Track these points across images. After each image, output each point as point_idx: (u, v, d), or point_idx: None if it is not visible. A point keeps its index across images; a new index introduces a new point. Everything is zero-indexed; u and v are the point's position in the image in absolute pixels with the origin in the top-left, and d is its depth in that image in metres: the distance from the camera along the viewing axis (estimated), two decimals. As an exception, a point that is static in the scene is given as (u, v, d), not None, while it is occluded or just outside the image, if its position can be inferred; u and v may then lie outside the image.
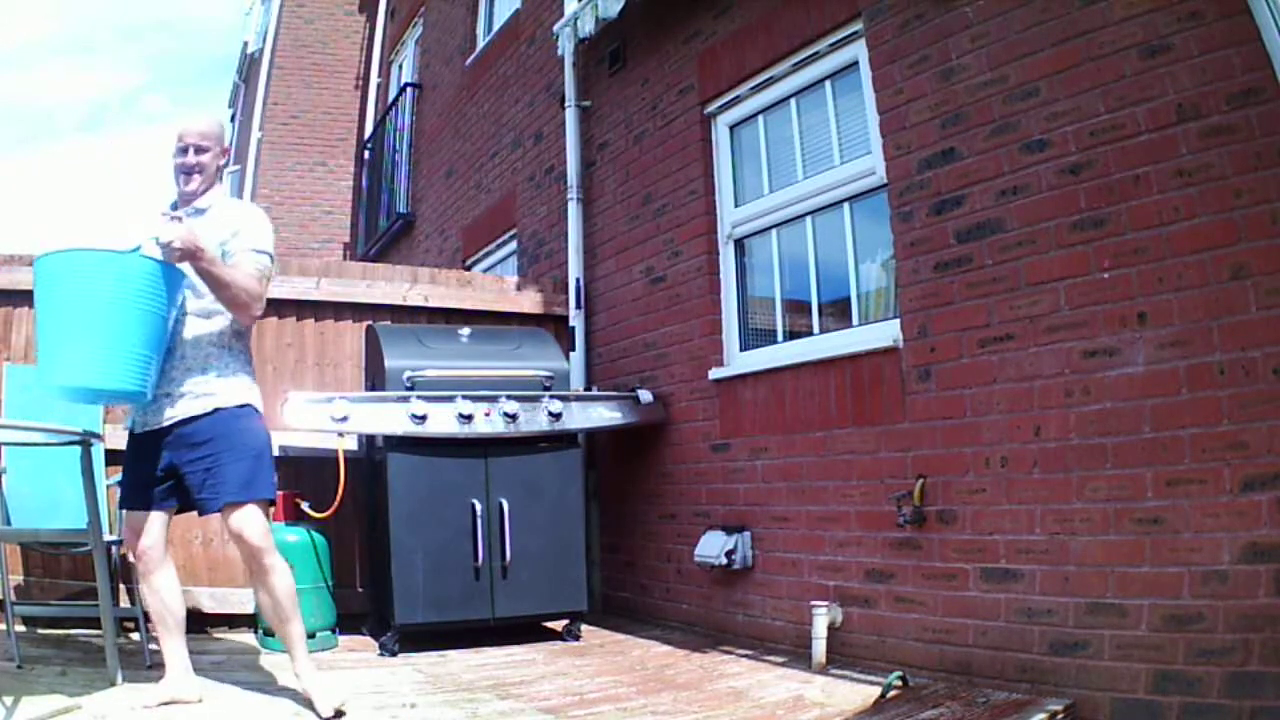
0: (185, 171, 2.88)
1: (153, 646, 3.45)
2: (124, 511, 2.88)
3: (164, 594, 2.77)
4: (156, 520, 2.76)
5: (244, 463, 2.71)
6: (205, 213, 2.86)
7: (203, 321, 2.78)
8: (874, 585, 3.28)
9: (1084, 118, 2.72)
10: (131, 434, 2.84)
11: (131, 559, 2.88)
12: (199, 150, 2.88)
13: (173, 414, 2.72)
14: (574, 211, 5.07)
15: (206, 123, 2.94)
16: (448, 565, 3.71)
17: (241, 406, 2.78)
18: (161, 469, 2.74)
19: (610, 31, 4.78)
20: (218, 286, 2.67)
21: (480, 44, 7.24)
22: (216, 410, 2.73)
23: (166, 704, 2.65)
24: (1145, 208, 2.57)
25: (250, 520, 2.70)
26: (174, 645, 2.76)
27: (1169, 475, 2.48)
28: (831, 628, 3.32)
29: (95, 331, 2.50)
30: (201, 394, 2.73)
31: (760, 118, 4.15)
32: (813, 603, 3.35)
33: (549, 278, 5.25)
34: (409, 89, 8.85)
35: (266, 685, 3.00)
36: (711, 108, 4.28)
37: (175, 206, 2.90)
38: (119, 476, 3.61)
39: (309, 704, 2.71)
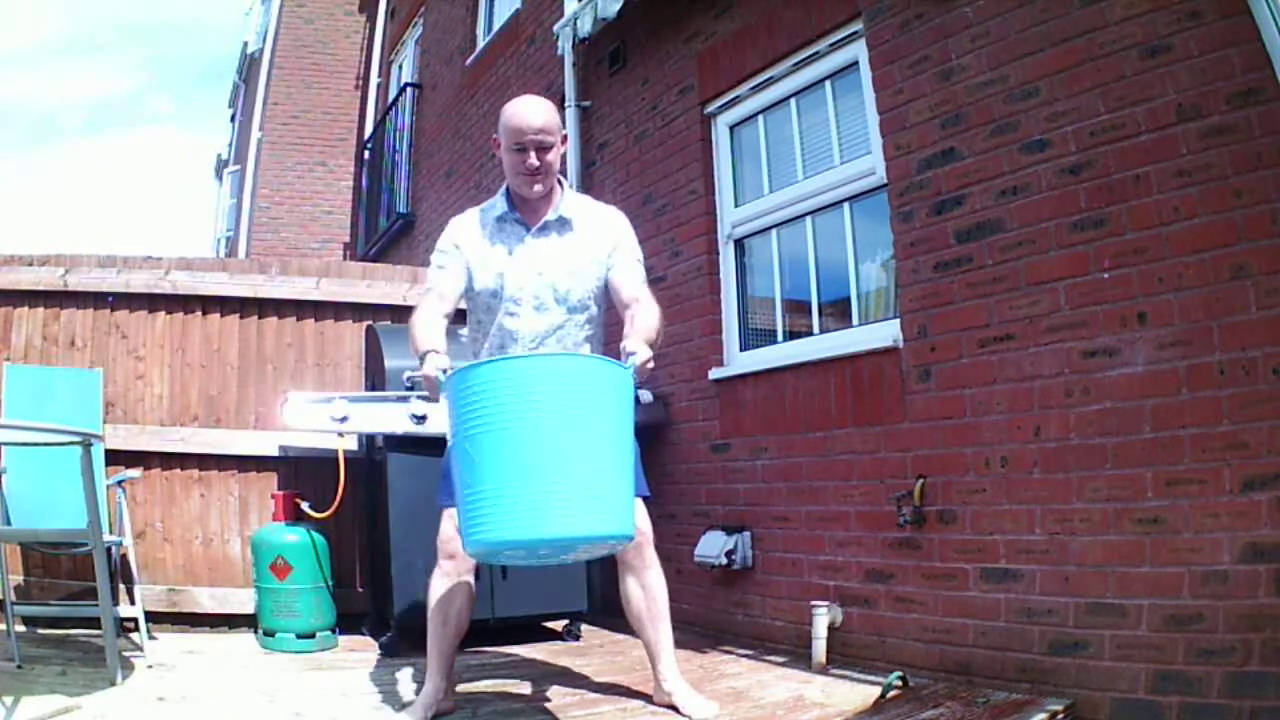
0: (530, 173, 2.53)
1: (152, 645, 3.46)
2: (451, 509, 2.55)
3: (468, 605, 2.62)
4: None
5: (637, 458, 2.52)
6: (572, 224, 2.61)
7: (579, 315, 2.62)
8: (874, 585, 3.28)
9: (1084, 118, 2.72)
10: None
11: (448, 558, 2.61)
12: (541, 148, 2.51)
13: None
14: (574, 211, 5.06)
15: (544, 111, 2.54)
16: (448, 565, 3.70)
17: None
18: None
19: (610, 31, 4.78)
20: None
21: (480, 44, 7.24)
22: None
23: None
24: (1145, 208, 2.57)
25: (645, 512, 2.62)
26: (449, 662, 2.63)
27: (1169, 475, 2.48)
28: (831, 628, 3.32)
29: (624, 464, 2.19)
30: None
31: (760, 118, 4.15)
32: (813, 603, 3.35)
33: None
34: (409, 89, 8.86)
35: (266, 685, 3.00)
36: (711, 108, 4.28)
37: (515, 220, 2.58)
38: (119, 476, 3.64)
39: (672, 708, 2.59)
